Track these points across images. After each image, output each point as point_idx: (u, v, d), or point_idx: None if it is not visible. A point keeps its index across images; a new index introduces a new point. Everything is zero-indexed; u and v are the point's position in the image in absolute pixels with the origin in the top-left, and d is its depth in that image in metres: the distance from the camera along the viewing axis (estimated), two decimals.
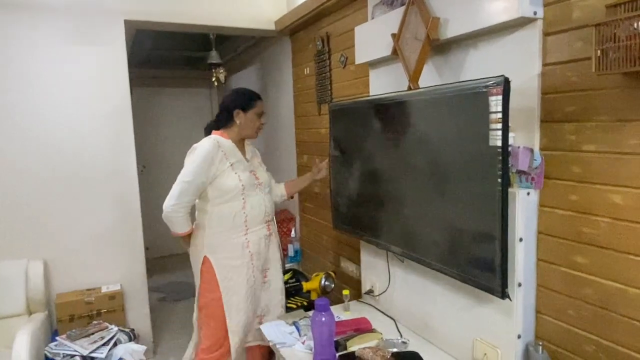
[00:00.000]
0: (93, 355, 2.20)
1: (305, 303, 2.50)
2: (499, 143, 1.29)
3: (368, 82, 2.23)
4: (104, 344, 2.26)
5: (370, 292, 2.22)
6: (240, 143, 2.11)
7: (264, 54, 3.79)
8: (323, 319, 1.62)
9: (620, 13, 1.03)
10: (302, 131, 3.15)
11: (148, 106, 5.22)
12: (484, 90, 1.32)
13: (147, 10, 2.74)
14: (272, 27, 3.11)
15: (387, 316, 2.08)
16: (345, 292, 2.18)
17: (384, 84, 2.10)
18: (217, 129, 2.11)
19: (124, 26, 2.70)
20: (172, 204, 1.94)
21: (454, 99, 1.46)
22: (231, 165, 2.00)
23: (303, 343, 1.83)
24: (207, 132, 2.14)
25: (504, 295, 1.35)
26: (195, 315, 2.23)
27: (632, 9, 1.02)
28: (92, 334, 2.33)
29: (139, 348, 2.34)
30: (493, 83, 1.29)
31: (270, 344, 1.88)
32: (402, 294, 2.00)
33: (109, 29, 2.68)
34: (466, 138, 1.42)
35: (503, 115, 1.27)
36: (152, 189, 5.31)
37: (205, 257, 2.05)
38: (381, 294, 2.13)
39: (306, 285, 2.52)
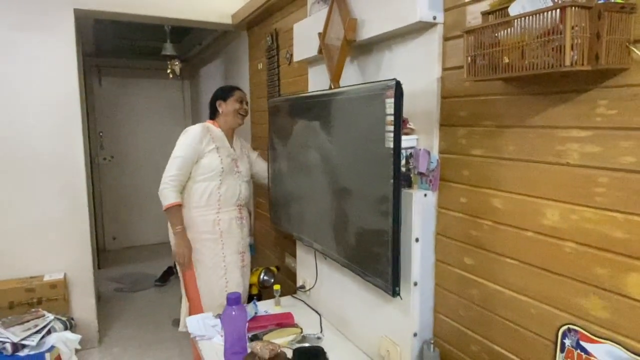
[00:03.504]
0: (24, 342, 2.20)
1: None
2: (392, 145, 1.32)
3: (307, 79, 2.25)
4: (36, 332, 2.27)
5: (302, 287, 2.25)
6: (229, 133, 2.34)
7: (226, 48, 3.79)
8: (233, 312, 1.64)
9: (489, 21, 1.05)
10: (256, 126, 3.16)
11: (118, 96, 5.19)
12: (381, 92, 1.34)
13: (99, 0, 2.73)
14: (229, 21, 3.11)
15: (315, 311, 2.11)
16: (276, 287, 2.20)
17: (320, 82, 2.12)
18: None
19: (73, 14, 2.69)
20: (166, 176, 2.17)
21: (360, 100, 1.48)
22: (217, 148, 2.23)
23: (222, 336, 1.85)
24: None
25: (394, 293, 1.37)
26: (182, 285, 2.37)
27: (499, 17, 1.04)
28: (27, 321, 2.34)
29: (74, 337, 2.34)
30: (387, 86, 1.31)
31: (191, 336, 1.91)
32: (326, 290, 2.03)
33: (57, 16, 2.66)
34: (369, 139, 1.44)
35: (395, 117, 1.29)
36: (120, 179, 5.31)
37: None
38: (309, 289, 2.16)
39: None
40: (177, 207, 2.20)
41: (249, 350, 1.37)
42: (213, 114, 2.36)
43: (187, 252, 2.21)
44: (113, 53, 4.83)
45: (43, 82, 2.67)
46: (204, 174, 2.21)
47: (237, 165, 2.31)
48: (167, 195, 2.17)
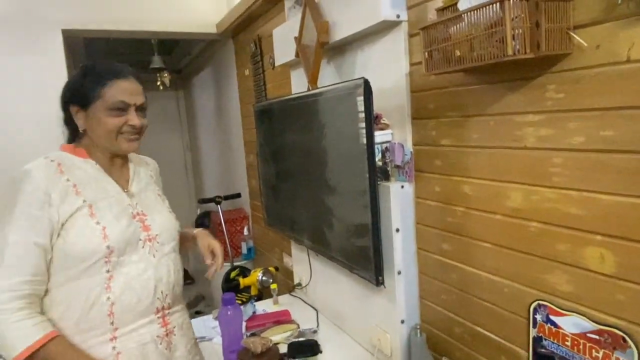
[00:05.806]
0: None
1: (244, 299, 2.57)
2: (365, 140, 1.37)
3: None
4: None
5: (298, 285, 2.31)
6: (112, 160, 1.23)
7: (215, 57, 3.85)
8: (229, 312, 1.70)
9: (441, 17, 1.11)
10: (247, 131, 3.23)
11: None
12: (352, 91, 1.40)
13: (85, 19, 2.80)
14: (214, 30, 3.17)
15: (312, 307, 2.17)
16: (273, 286, 2.27)
17: (302, 84, 2.17)
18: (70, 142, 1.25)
19: (61, 35, 2.76)
20: None
21: (334, 100, 1.54)
22: (88, 204, 1.12)
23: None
24: None
25: (378, 282, 1.43)
26: None
27: (451, 12, 1.10)
28: None
29: None
30: (356, 85, 1.37)
31: None
32: (321, 286, 2.09)
33: (46, 39, 2.73)
34: (346, 136, 1.50)
35: (366, 114, 1.35)
36: None
37: None
38: (305, 286, 2.22)
39: (243, 281, 2.59)
40: (56, 341, 1.03)
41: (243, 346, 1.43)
42: (72, 133, 1.25)
43: None
44: None
45: (36, 104, 2.74)
46: (74, 266, 1.08)
47: (144, 225, 1.19)
48: (15, 331, 0.99)
